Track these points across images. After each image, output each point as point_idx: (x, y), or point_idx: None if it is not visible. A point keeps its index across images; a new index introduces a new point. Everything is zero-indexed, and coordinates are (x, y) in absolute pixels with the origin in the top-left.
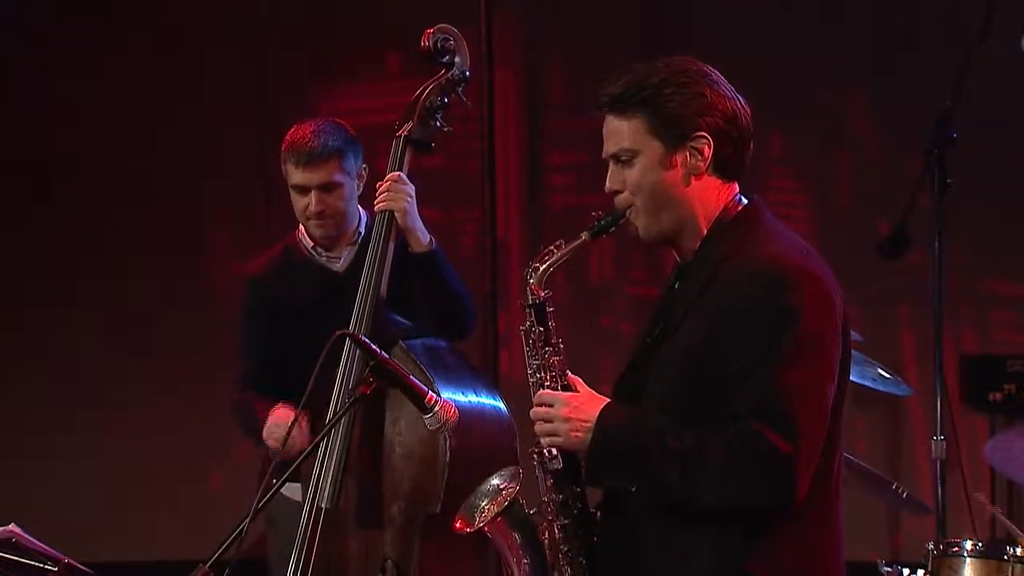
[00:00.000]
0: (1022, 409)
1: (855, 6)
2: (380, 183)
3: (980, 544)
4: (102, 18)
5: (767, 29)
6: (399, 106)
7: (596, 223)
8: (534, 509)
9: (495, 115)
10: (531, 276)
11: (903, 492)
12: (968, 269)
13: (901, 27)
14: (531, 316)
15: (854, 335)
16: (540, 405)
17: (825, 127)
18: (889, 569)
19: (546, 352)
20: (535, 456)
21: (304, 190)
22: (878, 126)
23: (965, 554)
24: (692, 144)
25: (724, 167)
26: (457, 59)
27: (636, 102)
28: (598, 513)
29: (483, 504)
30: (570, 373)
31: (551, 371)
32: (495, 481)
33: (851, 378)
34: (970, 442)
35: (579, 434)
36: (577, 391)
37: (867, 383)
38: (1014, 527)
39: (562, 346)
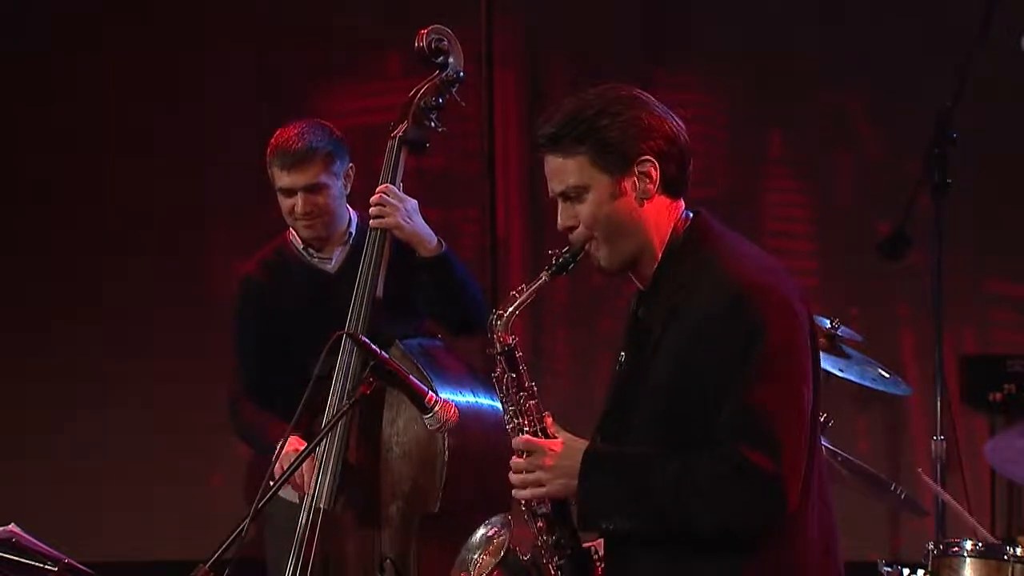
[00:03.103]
0: (1022, 409)
1: (855, 6)
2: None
3: (980, 544)
4: (102, 18)
5: (767, 29)
6: (399, 106)
7: (555, 261)
8: (528, 555)
9: (495, 115)
10: (497, 323)
11: (902, 493)
12: (968, 269)
13: (901, 27)
14: (502, 363)
15: (854, 335)
16: (520, 454)
17: (825, 127)
18: (889, 569)
19: (521, 397)
20: (522, 503)
21: (290, 192)
22: (878, 126)
23: (965, 554)
24: (638, 169)
25: (670, 186)
26: (451, 59)
27: (575, 138)
28: (593, 548)
29: (476, 556)
30: (547, 416)
31: (528, 416)
32: (483, 531)
33: (851, 378)
34: (970, 442)
35: (564, 480)
36: (555, 436)
37: (867, 383)
38: (962, 510)
39: (536, 389)
